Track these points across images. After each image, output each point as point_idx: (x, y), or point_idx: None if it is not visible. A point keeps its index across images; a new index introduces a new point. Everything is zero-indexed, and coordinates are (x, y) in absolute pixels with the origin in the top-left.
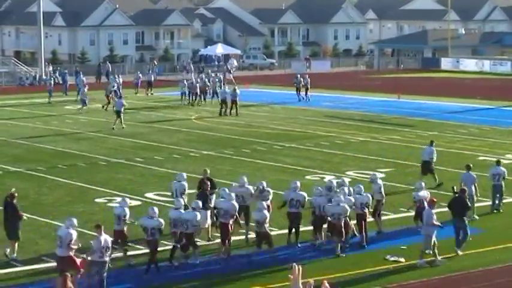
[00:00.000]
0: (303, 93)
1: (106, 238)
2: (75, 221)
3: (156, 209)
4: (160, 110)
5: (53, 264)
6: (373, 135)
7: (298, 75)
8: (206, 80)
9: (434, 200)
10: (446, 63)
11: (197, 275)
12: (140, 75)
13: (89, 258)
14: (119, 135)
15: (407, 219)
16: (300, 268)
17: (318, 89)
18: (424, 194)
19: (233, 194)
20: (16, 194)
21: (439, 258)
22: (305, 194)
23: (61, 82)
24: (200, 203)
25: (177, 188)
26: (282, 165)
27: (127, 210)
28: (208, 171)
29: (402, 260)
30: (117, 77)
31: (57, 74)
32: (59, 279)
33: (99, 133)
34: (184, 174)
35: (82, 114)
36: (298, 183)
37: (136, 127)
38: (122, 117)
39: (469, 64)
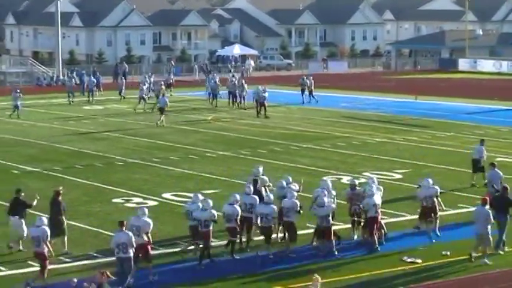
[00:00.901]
0: (307, 93)
1: (123, 235)
2: (45, 220)
3: (210, 201)
4: (177, 110)
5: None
6: (390, 136)
7: (304, 77)
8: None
9: (487, 198)
10: (463, 64)
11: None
12: (172, 76)
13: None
14: (135, 136)
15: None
16: (320, 279)
17: (335, 89)
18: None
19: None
20: (62, 191)
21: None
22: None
23: (78, 82)
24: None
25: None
26: (298, 166)
27: (214, 211)
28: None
29: (419, 261)
30: (147, 76)
31: (74, 75)
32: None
33: (116, 133)
34: (261, 169)
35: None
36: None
37: (153, 127)
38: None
39: (487, 65)
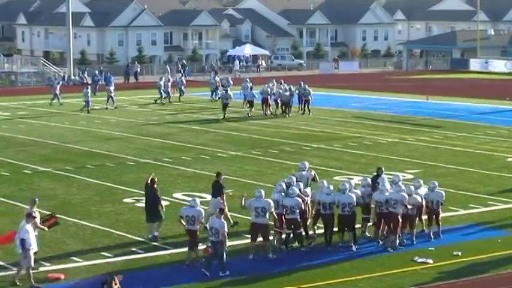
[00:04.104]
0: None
1: (217, 221)
2: (198, 201)
3: (262, 191)
4: (188, 110)
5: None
6: (402, 136)
7: (302, 82)
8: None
9: None
10: (475, 64)
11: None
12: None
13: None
14: (147, 136)
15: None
16: None
17: (346, 89)
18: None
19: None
20: (156, 179)
21: None
22: (270, 201)
23: (90, 82)
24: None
25: (303, 177)
26: (310, 166)
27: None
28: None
29: (430, 261)
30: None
31: (85, 74)
32: None
33: (127, 133)
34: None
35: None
36: (198, 201)
37: (164, 127)
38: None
39: (498, 65)
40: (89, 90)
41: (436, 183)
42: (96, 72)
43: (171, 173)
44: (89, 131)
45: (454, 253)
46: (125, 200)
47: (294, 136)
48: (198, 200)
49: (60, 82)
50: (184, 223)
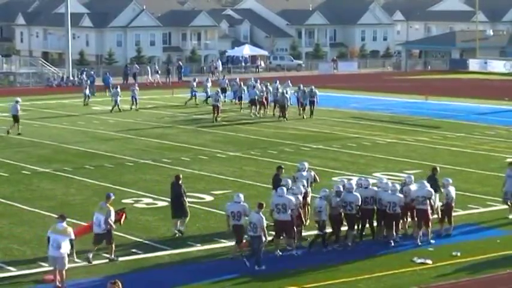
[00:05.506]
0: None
1: (256, 216)
2: (242, 196)
3: (285, 188)
4: (186, 110)
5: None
6: (401, 136)
7: (301, 85)
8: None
9: None
10: (474, 64)
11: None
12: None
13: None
14: (146, 136)
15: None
16: None
17: (345, 90)
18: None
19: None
20: (181, 176)
21: None
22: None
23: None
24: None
25: (308, 177)
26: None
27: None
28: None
29: (429, 262)
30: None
31: (84, 75)
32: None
33: (126, 134)
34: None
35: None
36: (242, 196)
37: (163, 128)
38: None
39: (497, 65)
40: (119, 90)
41: (450, 180)
42: (92, 72)
43: (170, 174)
44: (87, 131)
45: (453, 253)
46: (124, 201)
47: (292, 137)
48: (242, 195)
49: (89, 81)
50: (231, 219)
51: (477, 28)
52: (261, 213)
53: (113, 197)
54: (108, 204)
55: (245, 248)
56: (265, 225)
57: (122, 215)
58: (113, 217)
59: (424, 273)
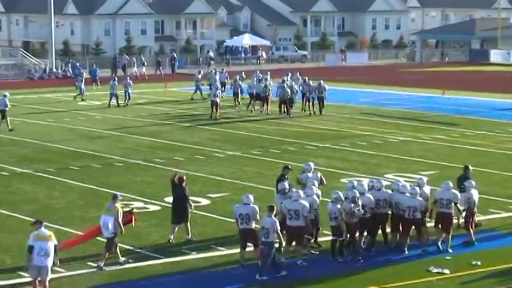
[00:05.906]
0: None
1: (268, 220)
2: (252, 197)
3: (300, 192)
4: (180, 106)
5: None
6: (415, 134)
7: (306, 78)
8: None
9: None
10: (495, 55)
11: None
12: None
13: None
14: (137, 134)
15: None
16: None
17: (354, 83)
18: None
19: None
20: (184, 177)
21: None
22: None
23: (73, 75)
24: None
25: (309, 179)
26: (315, 168)
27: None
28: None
29: (447, 271)
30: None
31: (69, 67)
32: None
33: (115, 131)
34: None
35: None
36: (251, 197)
37: (155, 125)
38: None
39: None
40: (116, 83)
41: (473, 182)
42: (77, 64)
43: (163, 175)
44: (73, 128)
45: (473, 263)
46: None
47: (296, 134)
48: (251, 197)
49: (74, 74)
50: (239, 222)
51: (499, 16)
52: (273, 216)
53: (119, 197)
54: (116, 205)
55: (258, 256)
56: (279, 228)
57: (131, 216)
58: (121, 219)
59: (441, 284)
